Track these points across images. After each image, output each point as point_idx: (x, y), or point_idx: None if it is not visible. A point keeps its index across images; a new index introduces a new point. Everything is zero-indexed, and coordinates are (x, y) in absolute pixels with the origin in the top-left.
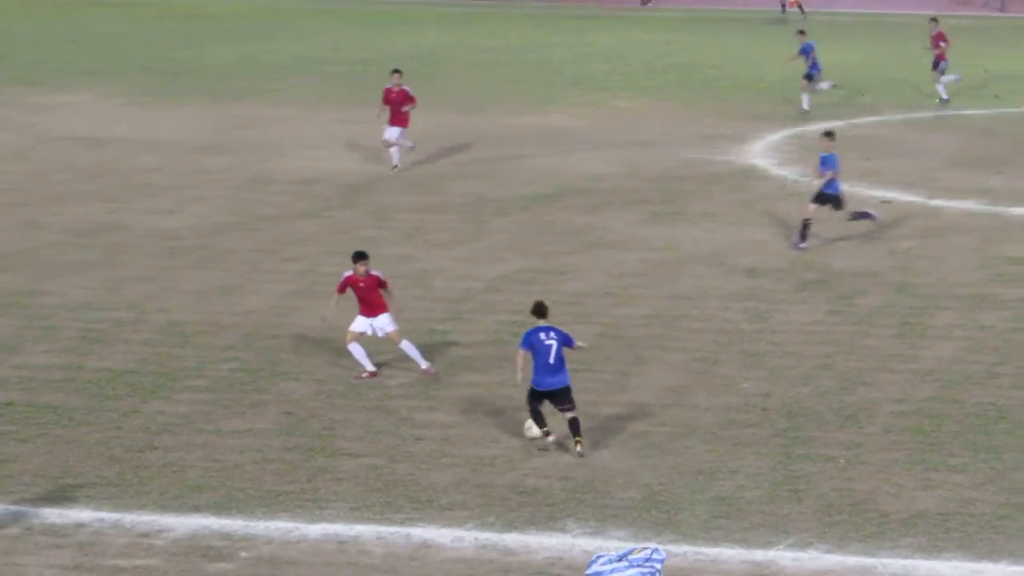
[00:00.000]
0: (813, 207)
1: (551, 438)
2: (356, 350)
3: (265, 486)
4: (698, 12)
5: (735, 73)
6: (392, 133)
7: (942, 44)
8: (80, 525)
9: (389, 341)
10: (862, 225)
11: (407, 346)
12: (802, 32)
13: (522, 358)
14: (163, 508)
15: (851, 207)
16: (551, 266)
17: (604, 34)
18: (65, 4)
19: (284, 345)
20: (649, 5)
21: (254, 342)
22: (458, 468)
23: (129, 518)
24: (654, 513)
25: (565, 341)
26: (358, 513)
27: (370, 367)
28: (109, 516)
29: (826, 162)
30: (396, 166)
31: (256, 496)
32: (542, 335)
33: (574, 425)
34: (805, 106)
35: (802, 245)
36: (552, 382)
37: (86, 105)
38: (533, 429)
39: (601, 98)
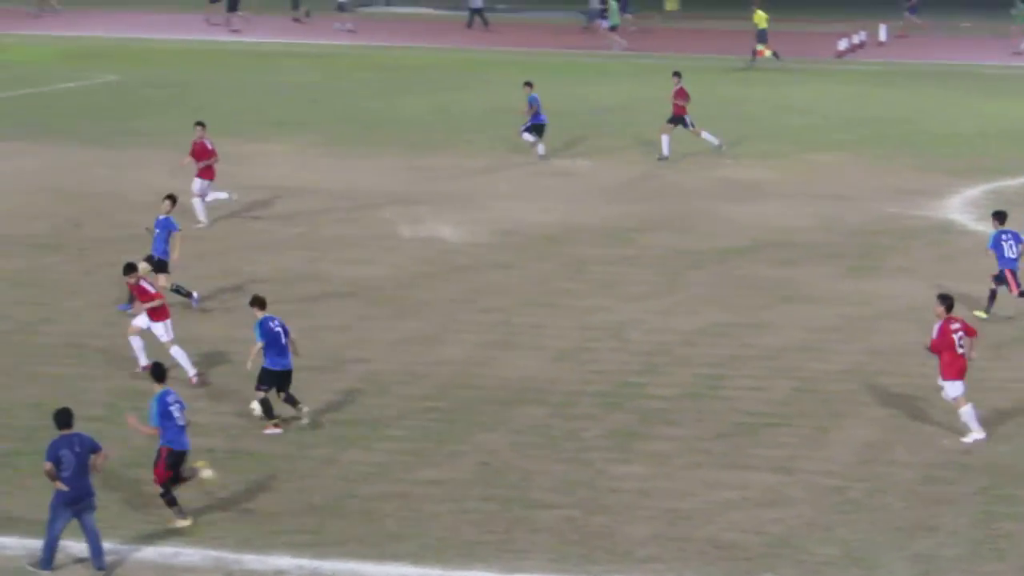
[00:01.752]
0: None
1: None
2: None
3: (462, 536)
4: (894, 66)
5: (931, 127)
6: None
7: None
8: (280, 572)
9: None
10: None
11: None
12: None
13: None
14: (361, 556)
15: None
16: (746, 319)
17: (799, 87)
18: (262, 55)
19: (480, 396)
20: (760, 58)
21: (451, 392)
22: (654, 521)
23: (328, 566)
24: (853, 570)
25: None
26: (555, 565)
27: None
28: (308, 563)
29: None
30: None
31: (453, 546)
32: None
33: None
34: None
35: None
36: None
37: (283, 155)
38: None
39: (797, 151)
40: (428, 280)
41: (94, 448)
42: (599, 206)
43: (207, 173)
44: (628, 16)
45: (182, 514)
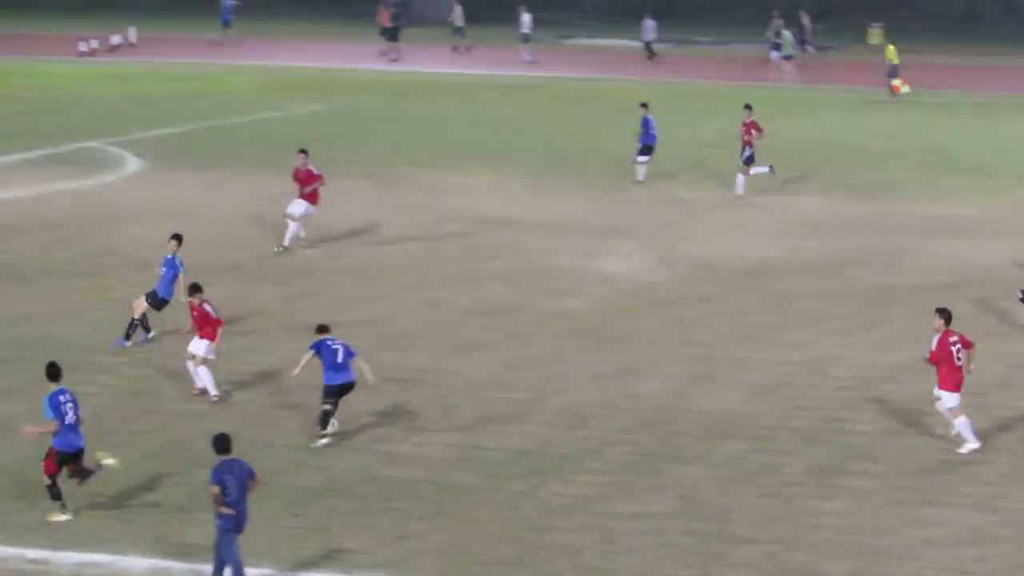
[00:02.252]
0: None
1: None
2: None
3: (661, 570)
4: None
5: None
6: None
7: None
8: None
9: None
10: None
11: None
12: None
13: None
14: None
15: None
16: None
17: (1007, 123)
18: (464, 87)
19: (680, 429)
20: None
21: (651, 426)
22: (855, 558)
23: None
24: None
25: None
26: None
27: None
28: None
29: None
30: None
31: None
32: None
33: None
34: None
35: None
36: None
37: (485, 186)
38: None
39: (1002, 187)
40: (628, 313)
41: (251, 473)
42: (799, 240)
43: (312, 197)
44: (809, 49)
45: (64, 509)
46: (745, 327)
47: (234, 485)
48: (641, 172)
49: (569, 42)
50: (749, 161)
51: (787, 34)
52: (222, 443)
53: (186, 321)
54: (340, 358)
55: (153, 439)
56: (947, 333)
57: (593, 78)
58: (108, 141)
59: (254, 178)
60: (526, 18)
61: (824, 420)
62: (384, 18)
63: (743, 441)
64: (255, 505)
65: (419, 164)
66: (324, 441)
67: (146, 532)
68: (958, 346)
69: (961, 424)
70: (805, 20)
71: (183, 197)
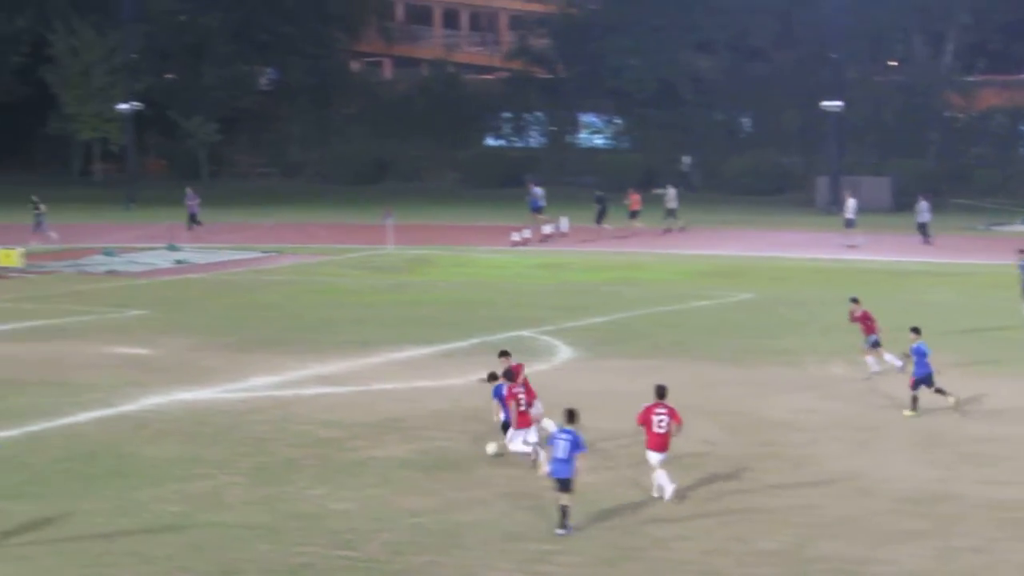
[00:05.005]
0: None
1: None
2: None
3: None
4: None
5: None
6: None
7: None
8: None
9: None
10: None
11: None
12: None
13: None
14: None
15: None
16: None
17: None
18: (898, 274)
19: None
20: None
21: None
22: None
23: None
24: None
25: None
26: None
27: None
28: None
29: None
30: None
31: None
32: None
33: None
34: None
35: None
36: None
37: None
38: None
39: None
40: None
41: None
42: None
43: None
44: None
45: None
46: None
47: None
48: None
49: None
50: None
51: None
52: None
53: None
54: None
55: None
56: None
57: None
58: (539, 330)
59: (686, 366)
60: (923, 205)
61: None
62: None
63: None
64: None
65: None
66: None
67: None
68: None
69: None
70: None
71: (616, 385)
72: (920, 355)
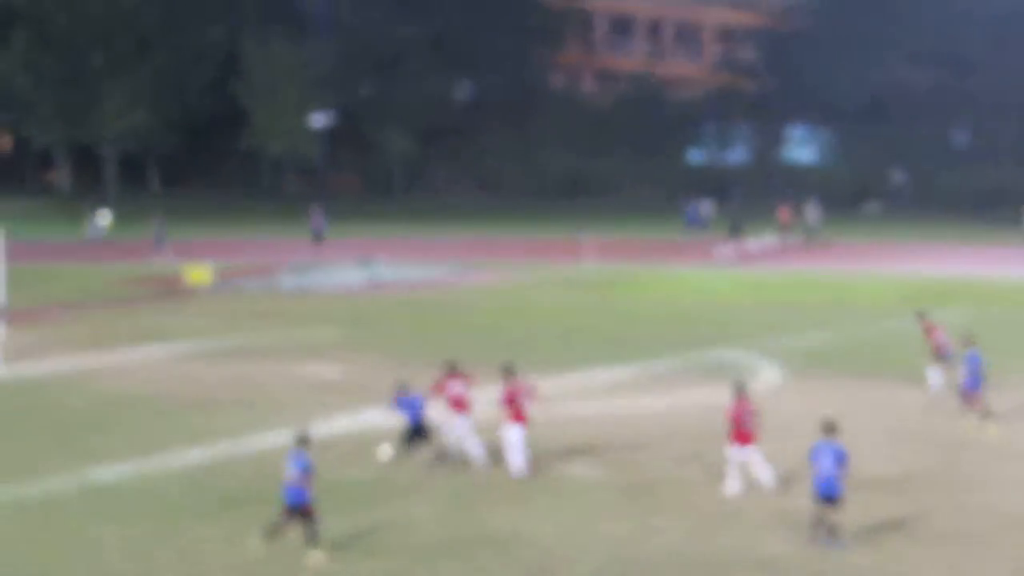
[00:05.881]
0: None
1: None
2: None
3: None
4: None
5: None
6: None
7: None
8: None
9: None
10: None
11: None
12: None
13: None
14: None
15: None
16: None
17: None
18: None
19: None
20: None
21: None
22: None
23: None
24: None
25: None
26: None
27: None
28: None
29: None
30: None
31: None
32: None
33: None
34: None
35: None
36: None
37: None
38: None
39: None
40: None
41: None
42: None
43: None
44: None
45: None
46: None
47: None
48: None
49: None
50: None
51: None
52: None
53: None
54: None
55: None
56: None
57: None
58: (742, 349)
59: (893, 389)
60: None
61: None
62: None
63: None
64: None
65: None
66: None
67: None
68: None
69: None
70: None
71: (824, 407)
72: None
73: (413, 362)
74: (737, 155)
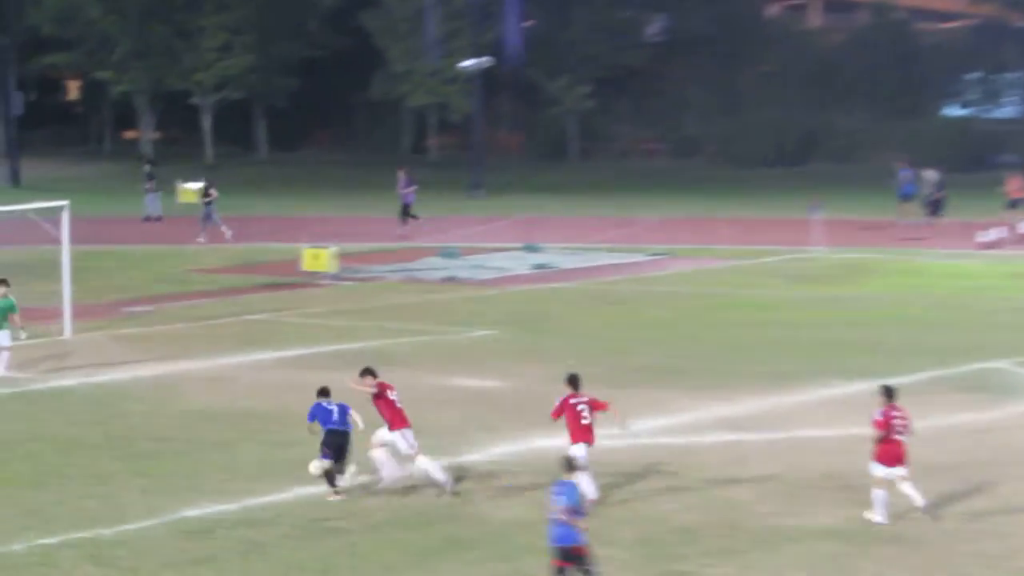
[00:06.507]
0: None
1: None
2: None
3: None
4: None
5: None
6: None
7: None
8: None
9: None
10: None
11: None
12: None
13: None
14: None
15: None
16: None
17: None
18: None
19: None
20: None
21: None
22: None
23: None
24: None
25: None
26: None
27: None
28: None
29: None
30: None
31: None
32: None
33: None
34: None
35: None
36: None
37: None
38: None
39: None
40: None
41: None
42: None
43: None
44: None
45: None
46: None
47: None
48: None
49: None
50: None
51: None
52: None
53: None
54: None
55: None
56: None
57: None
58: (1019, 361)
59: None
60: None
61: None
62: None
63: None
64: None
65: None
66: None
67: None
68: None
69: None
70: None
71: None
72: None
73: (584, 372)
74: (1010, 110)
